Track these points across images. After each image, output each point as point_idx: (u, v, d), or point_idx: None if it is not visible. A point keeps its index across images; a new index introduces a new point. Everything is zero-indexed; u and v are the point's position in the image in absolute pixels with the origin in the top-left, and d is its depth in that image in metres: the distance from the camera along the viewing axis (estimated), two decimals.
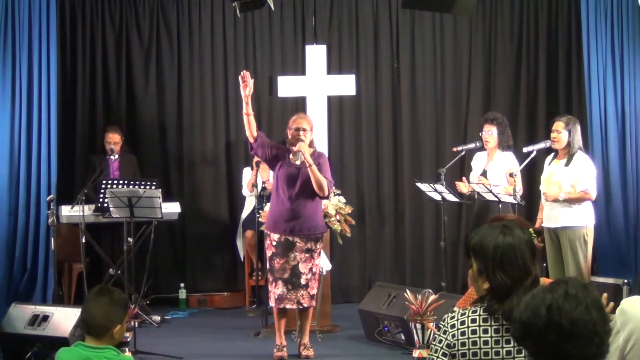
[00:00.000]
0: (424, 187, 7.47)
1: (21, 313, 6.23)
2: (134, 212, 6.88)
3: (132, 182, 7.55)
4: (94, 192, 7.57)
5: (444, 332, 2.72)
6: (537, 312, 2.08)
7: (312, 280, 6.34)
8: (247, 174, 8.29)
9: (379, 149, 8.83)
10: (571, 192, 6.59)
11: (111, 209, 7.00)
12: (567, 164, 6.65)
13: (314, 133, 6.52)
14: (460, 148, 7.60)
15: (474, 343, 2.68)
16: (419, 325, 5.93)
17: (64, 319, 6.02)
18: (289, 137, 6.38)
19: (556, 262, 6.66)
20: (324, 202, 6.81)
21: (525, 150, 7.10)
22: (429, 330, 5.86)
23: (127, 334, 6.02)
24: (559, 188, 6.62)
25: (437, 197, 7.39)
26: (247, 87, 6.17)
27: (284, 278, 6.28)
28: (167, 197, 7.76)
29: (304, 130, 6.32)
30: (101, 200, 7.44)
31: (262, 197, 7.51)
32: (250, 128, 6.27)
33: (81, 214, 7.24)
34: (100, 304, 3.32)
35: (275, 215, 6.35)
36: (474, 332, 2.69)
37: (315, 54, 8.49)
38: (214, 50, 8.75)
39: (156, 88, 8.69)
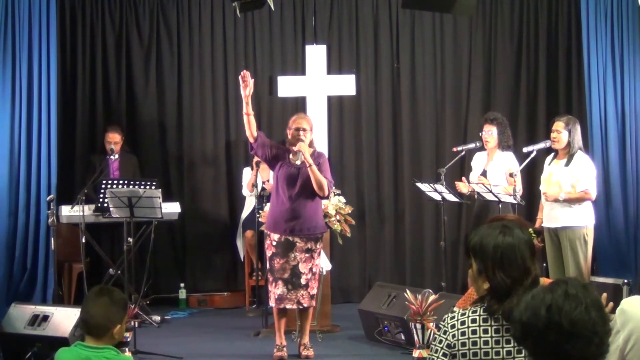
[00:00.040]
0: (424, 187, 7.47)
1: (21, 313, 6.23)
2: (134, 212, 6.88)
3: (132, 182, 7.55)
4: (94, 192, 7.57)
5: (444, 332, 2.72)
6: (537, 312, 2.08)
7: (312, 280, 6.34)
8: (247, 174, 8.29)
9: (379, 149, 8.83)
10: (571, 192, 6.59)
11: (111, 209, 7.00)
12: (567, 164, 6.65)
13: (314, 133, 6.51)
14: (460, 148, 7.60)
15: (474, 343, 2.68)
16: (419, 325, 5.93)
17: (64, 319, 6.02)
18: (289, 137, 6.37)
19: (556, 262, 6.66)
20: (324, 202, 6.81)
21: (525, 150, 7.10)
22: (429, 330, 5.86)
23: (127, 334, 6.02)
24: (559, 188, 6.62)
25: (437, 197, 7.39)
26: (247, 87, 6.17)
27: (284, 278, 6.28)
28: (167, 197, 7.76)
29: (304, 130, 6.32)
30: (101, 200, 7.44)
31: (262, 197, 7.51)
32: (250, 128, 6.27)
33: (81, 214, 7.24)
34: (100, 304, 3.32)
35: (275, 215, 6.35)
36: (474, 332, 2.69)
37: (315, 54, 8.49)
38: (214, 50, 8.75)
39: (156, 88, 8.69)
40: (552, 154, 6.85)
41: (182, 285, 8.53)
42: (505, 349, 2.67)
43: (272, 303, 6.38)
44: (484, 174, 7.38)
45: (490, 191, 6.94)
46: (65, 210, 7.43)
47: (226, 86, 8.74)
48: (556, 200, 6.58)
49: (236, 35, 8.77)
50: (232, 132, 8.72)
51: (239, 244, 8.41)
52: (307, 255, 6.30)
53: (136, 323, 6.55)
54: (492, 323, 2.69)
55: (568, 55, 8.67)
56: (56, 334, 5.94)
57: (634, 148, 7.85)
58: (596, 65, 7.88)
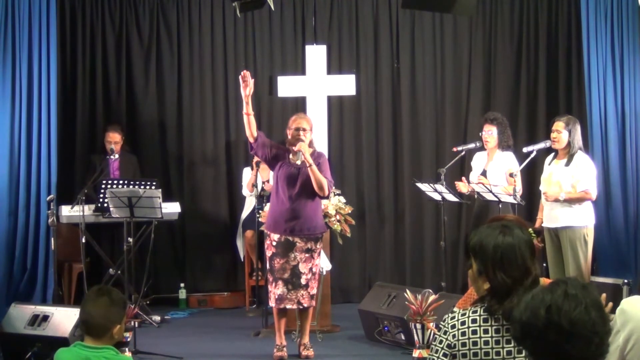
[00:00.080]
0: (424, 187, 7.47)
1: (21, 313, 6.22)
2: (134, 212, 6.88)
3: (132, 182, 7.55)
4: (94, 192, 7.57)
5: (444, 333, 2.72)
6: (537, 312, 2.08)
7: (312, 280, 6.34)
8: (247, 174, 8.29)
9: (379, 149, 8.83)
10: (571, 192, 6.59)
11: (111, 209, 7.00)
12: (567, 164, 6.65)
13: (314, 133, 6.51)
14: (460, 148, 7.60)
15: (475, 343, 2.68)
16: (419, 325, 5.93)
17: (64, 319, 6.02)
18: (289, 137, 6.37)
19: (556, 262, 6.66)
20: (324, 202, 6.81)
21: (525, 150, 7.10)
22: (429, 330, 5.86)
23: (127, 334, 6.02)
24: (559, 188, 6.61)
25: (437, 197, 7.39)
26: (247, 86, 6.16)
27: (284, 278, 6.28)
28: (167, 197, 7.76)
29: (304, 130, 6.32)
30: (101, 200, 7.44)
31: (262, 197, 7.51)
32: (250, 128, 6.27)
33: (81, 214, 7.24)
34: (100, 304, 3.32)
35: (275, 215, 6.35)
36: (474, 332, 2.69)
37: (315, 54, 8.49)
38: (214, 50, 8.75)
39: (156, 88, 8.69)
40: (552, 154, 6.84)
41: (182, 285, 8.53)
42: (505, 349, 2.67)
43: (272, 303, 6.38)
44: (484, 173, 7.37)
45: (490, 191, 6.94)
46: (65, 210, 7.43)
47: (226, 86, 8.74)
48: (556, 200, 6.58)
49: (236, 35, 8.77)
50: (232, 132, 8.72)
51: (239, 244, 8.41)
52: (307, 255, 6.30)
53: (136, 323, 6.55)
54: (493, 323, 2.69)
55: (568, 55, 8.67)
56: (56, 334, 5.94)
57: (634, 148, 7.85)
58: (596, 65, 7.88)
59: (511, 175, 7.04)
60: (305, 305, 6.34)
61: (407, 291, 6.18)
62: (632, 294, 3.98)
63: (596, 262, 7.55)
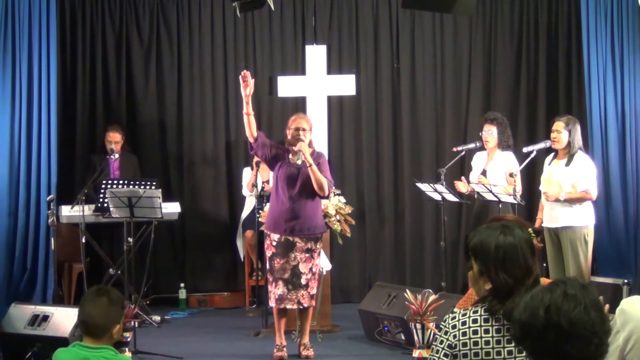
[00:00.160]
0: (424, 187, 7.47)
1: (21, 313, 6.22)
2: (134, 212, 6.88)
3: (132, 182, 7.55)
4: (94, 192, 7.57)
5: (445, 333, 2.72)
6: (536, 312, 2.08)
7: (312, 280, 6.34)
8: (247, 174, 8.29)
9: (379, 149, 8.83)
10: (572, 192, 6.59)
11: (111, 209, 7.00)
12: (567, 164, 6.64)
13: (314, 133, 6.51)
14: (460, 148, 7.60)
15: (475, 343, 2.68)
16: (419, 325, 5.92)
17: (64, 319, 6.02)
18: (289, 137, 6.37)
19: (556, 262, 6.66)
20: (324, 202, 6.81)
21: (525, 150, 7.10)
22: (429, 330, 5.86)
23: (127, 334, 6.02)
24: (559, 188, 6.61)
25: (437, 197, 7.39)
26: (247, 86, 6.16)
27: (284, 278, 6.28)
28: (167, 197, 7.76)
29: (304, 130, 6.32)
30: (101, 200, 7.44)
31: (262, 197, 7.51)
32: (250, 128, 6.27)
33: (81, 214, 7.23)
34: (99, 305, 3.32)
35: (275, 215, 6.35)
36: (475, 332, 2.69)
37: (315, 54, 8.49)
38: (214, 50, 8.75)
39: (156, 88, 8.69)
40: (552, 154, 6.84)
41: (182, 285, 8.53)
42: (506, 349, 2.67)
43: (272, 303, 6.38)
44: (483, 173, 7.38)
45: (490, 191, 6.94)
46: (65, 210, 7.43)
47: (226, 86, 8.74)
48: (557, 200, 6.57)
49: (236, 35, 8.77)
50: (232, 132, 8.72)
51: (239, 244, 8.41)
52: (307, 255, 6.30)
53: (136, 323, 6.55)
54: (493, 323, 2.68)
55: (568, 55, 8.67)
56: (56, 334, 5.94)
57: (634, 148, 7.85)
58: (596, 65, 7.88)
59: (511, 175, 7.04)
60: (305, 305, 6.34)
61: (407, 291, 6.18)
62: (632, 294, 3.98)
63: (596, 262, 7.55)
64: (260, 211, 7.30)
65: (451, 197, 7.36)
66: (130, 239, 6.90)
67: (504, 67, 8.82)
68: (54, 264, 7.21)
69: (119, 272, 7.49)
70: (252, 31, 8.77)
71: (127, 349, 6.01)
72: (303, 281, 6.29)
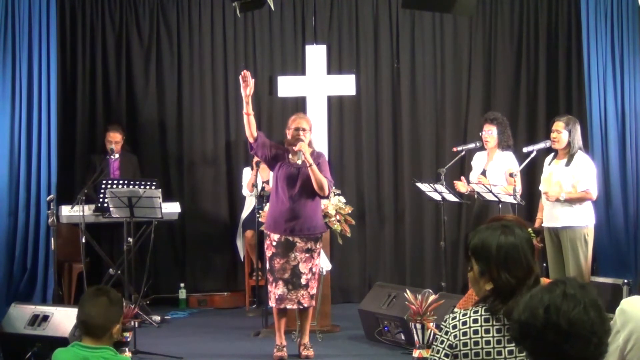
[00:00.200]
0: (424, 187, 7.47)
1: (21, 313, 6.22)
2: (134, 212, 6.88)
3: (132, 182, 7.55)
4: (94, 192, 7.57)
5: (446, 333, 2.72)
6: (535, 312, 2.08)
7: (312, 280, 6.34)
8: (247, 174, 8.29)
9: (379, 149, 8.83)
10: (572, 192, 6.59)
11: (111, 209, 7.00)
12: (567, 164, 6.64)
13: (314, 133, 6.52)
14: (460, 148, 7.60)
15: (476, 343, 2.68)
16: (419, 325, 5.92)
17: (64, 319, 6.01)
18: (288, 137, 6.37)
19: (556, 262, 6.66)
20: (324, 202, 6.81)
21: (525, 150, 7.10)
22: (429, 330, 5.86)
23: (127, 334, 6.02)
24: (559, 188, 6.61)
25: (437, 197, 7.39)
26: (247, 86, 6.16)
27: (284, 278, 6.28)
28: (167, 197, 7.76)
29: (304, 130, 6.31)
30: (101, 200, 7.44)
31: (262, 197, 7.51)
32: (250, 128, 6.27)
33: (81, 214, 7.23)
34: (99, 305, 3.32)
35: (275, 215, 6.35)
36: (475, 332, 2.68)
37: (315, 54, 8.49)
38: (214, 50, 8.75)
39: (156, 88, 8.70)
40: (552, 154, 6.84)
41: (182, 285, 8.53)
42: (507, 349, 2.67)
43: (272, 303, 6.38)
44: (483, 173, 7.38)
45: (490, 191, 6.94)
46: (65, 210, 7.43)
47: (226, 86, 8.74)
48: (557, 201, 6.57)
49: (236, 35, 8.77)
50: (232, 132, 8.72)
51: (239, 244, 8.41)
52: (307, 255, 6.30)
53: (136, 323, 6.54)
54: (494, 323, 2.68)
55: (568, 55, 8.67)
56: (56, 334, 5.94)
57: (634, 148, 7.85)
58: (596, 65, 7.88)
59: (511, 175, 7.04)
60: (306, 305, 6.34)
61: (407, 291, 6.17)
62: (632, 294, 3.98)
63: (596, 262, 7.55)
64: (260, 211, 7.30)
65: (451, 197, 7.36)
66: (130, 239, 6.90)
67: (504, 67, 8.82)
68: (54, 264, 7.21)
69: (119, 272, 7.49)
70: (252, 31, 8.78)
71: (127, 349, 6.00)
72: (303, 281, 6.29)
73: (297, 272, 6.28)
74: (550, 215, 6.68)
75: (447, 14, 8.32)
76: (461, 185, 7.39)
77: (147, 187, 7.36)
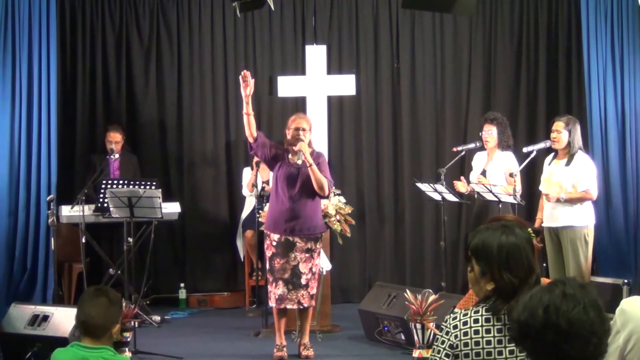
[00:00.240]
0: (424, 187, 7.47)
1: (21, 313, 6.22)
2: (134, 212, 6.88)
3: (132, 182, 7.55)
4: (94, 192, 7.57)
5: (446, 333, 2.71)
6: (535, 312, 2.08)
7: (312, 280, 6.34)
8: (247, 174, 8.29)
9: (379, 149, 8.83)
10: (572, 192, 6.59)
11: (111, 209, 7.00)
12: (567, 164, 6.64)
13: (314, 133, 6.52)
14: (460, 148, 7.60)
15: (477, 343, 2.68)
16: (419, 325, 5.92)
17: (64, 319, 6.01)
18: (288, 137, 6.37)
19: (556, 262, 6.66)
20: (324, 202, 6.81)
21: (525, 150, 7.10)
22: (429, 330, 5.86)
23: (127, 334, 6.02)
24: (559, 188, 6.61)
25: (437, 197, 7.39)
26: (247, 86, 6.16)
27: (284, 278, 6.28)
28: (167, 197, 7.76)
29: (304, 130, 6.31)
30: (101, 200, 7.44)
31: (262, 197, 7.51)
32: (250, 128, 6.27)
33: (81, 214, 7.24)
34: (99, 305, 3.32)
35: (275, 215, 6.35)
36: (476, 332, 2.68)
37: (315, 54, 8.49)
38: (214, 50, 8.75)
39: (156, 88, 8.70)
40: (552, 154, 6.84)
41: (182, 285, 8.53)
42: (507, 349, 2.66)
43: (272, 303, 6.37)
44: (483, 173, 7.38)
45: (490, 191, 6.94)
46: (65, 210, 7.43)
47: (226, 86, 8.74)
48: (557, 201, 6.57)
49: (236, 35, 8.77)
50: (232, 132, 8.72)
51: (239, 244, 8.41)
52: (307, 255, 6.30)
53: (136, 323, 6.54)
54: (495, 323, 2.68)
55: (568, 55, 8.67)
56: (56, 334, 5.94)
57: (634, 148, 7.85)
58: (596, 65, 7.88)
59: (511, 175, 7.04)
60: (306, 305, 6.34)
61: (407, 291, 6.17)
62: (632, 294, 3.98)
63: (596, 262, 7.55)
64: (260, 211, 7.30)
65: (451, 197, 7.36)
66: (130, 239, 6.90)
67: (504, 67, 8.82)
68: (54, 264, 7.21)
69: (119, 272, 7.49)
70: (252, 31, 8.78)
71: (127, 349, 6.00)
72: (303, 281, 6.29)
73: (297, 272, 6.28)
74: (551, 215, 6.68)
75: (447, 14, 8.32)
76: (461, 185, 7.39)
77: (147, 187, 7.36)
